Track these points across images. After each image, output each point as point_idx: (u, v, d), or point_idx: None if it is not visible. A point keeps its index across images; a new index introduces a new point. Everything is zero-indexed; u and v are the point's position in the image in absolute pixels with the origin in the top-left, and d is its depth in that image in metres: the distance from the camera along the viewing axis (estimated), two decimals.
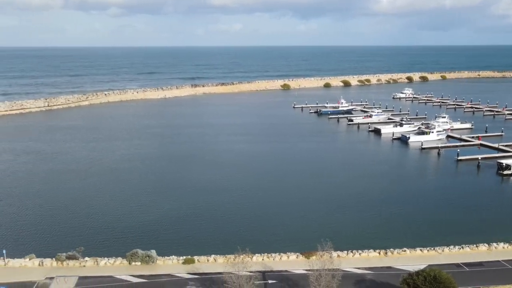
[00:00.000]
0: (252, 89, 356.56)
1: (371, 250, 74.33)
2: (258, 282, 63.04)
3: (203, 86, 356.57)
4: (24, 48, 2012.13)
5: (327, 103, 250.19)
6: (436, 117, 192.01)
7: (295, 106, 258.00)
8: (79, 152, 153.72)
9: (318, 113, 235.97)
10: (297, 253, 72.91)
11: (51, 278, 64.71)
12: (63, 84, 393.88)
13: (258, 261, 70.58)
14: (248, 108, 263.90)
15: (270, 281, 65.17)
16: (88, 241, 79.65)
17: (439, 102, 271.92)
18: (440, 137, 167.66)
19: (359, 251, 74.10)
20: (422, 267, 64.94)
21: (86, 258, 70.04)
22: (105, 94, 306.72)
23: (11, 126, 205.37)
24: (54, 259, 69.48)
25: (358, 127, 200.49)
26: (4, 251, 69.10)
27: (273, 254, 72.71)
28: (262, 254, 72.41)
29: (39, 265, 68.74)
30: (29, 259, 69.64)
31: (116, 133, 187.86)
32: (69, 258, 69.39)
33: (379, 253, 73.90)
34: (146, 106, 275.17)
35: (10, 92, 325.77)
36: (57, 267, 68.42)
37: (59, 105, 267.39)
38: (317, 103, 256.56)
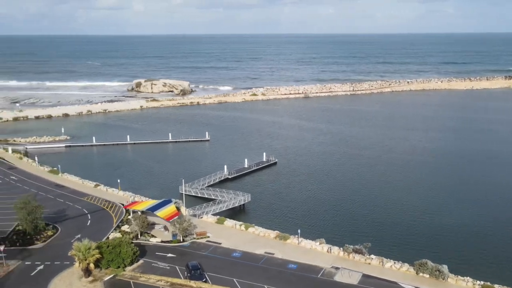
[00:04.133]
0: None
1: None
2: None
3: None
4: (338, 34, 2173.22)
5: None
6: None
7: None
8: (373, 138, 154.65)
9: None
10: None
11: (337, 268, 64.92)
12: (369, 70, 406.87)
13: None
14: None
15: None
16: (375, 237, 77.47)
17: None
18: None
19: None
20: None
21: (372, 256, 67.82)
22: (408, 82, 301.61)
23: (321, 107, 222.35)
24: (341, 249, 69.78)
25: None
26: (299, 231, 73.19)
27: None
28: None
29: (327, 251, 70.17)
30: (319, 243, 71.87)
31: (412, 123, 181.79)
32: (356, 251, 68.50)
33: None
34: (449, 96, 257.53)
35: (322, 77, 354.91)
36: (343, 257, 68.49)
37: (362, 90, 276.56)
38: None
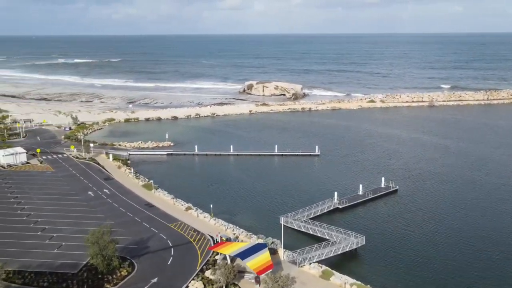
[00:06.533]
0: None
1: None
2: None
3: None
4: (466, 34, 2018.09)
5: None
6: None
7: None
8: (508, 164, 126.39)
9: None
10: None
11: None
12: (506, 76, 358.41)
13: None
14: None
15: None
16: None
17: None
18: None
19: None
20: None
21: None
22: None
23: (449, 119, 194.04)
24: None
25: None
26: None
27: None
28: None
29: None
30: None
31: None
32: None
33: None
34: None
35: (449, 83, 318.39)
36: None
37: (499, 99, 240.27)
38: None
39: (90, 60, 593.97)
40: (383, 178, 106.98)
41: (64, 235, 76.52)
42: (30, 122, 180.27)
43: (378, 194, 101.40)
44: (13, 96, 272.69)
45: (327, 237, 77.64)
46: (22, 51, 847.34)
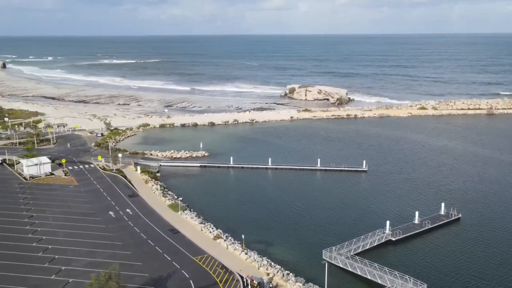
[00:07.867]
0: None
1: None
2: None
3: None
4: None
5: None
6: None
7: None
8: None
9: None
10: None
11: None
12: None
13: None
14: None
15: None
16: None
17: None
18: None
19: None
20: None
21: None
22: None
23: (509, 128, 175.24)
24: None
25: None
26: None
27: None
28: None
29: None
30: None
31: None
32: None
33: None
34: None
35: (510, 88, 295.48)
36: None
37: None
38: None
39: (133, 61, 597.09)
40: (443, 204, 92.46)
41: (73, 268, 66.94)
42: (64, 127, 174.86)
43: (438, 224, 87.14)
44: (53, 98, 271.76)
45: (379, 281, 64.83)
46: (69, 51, 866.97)
